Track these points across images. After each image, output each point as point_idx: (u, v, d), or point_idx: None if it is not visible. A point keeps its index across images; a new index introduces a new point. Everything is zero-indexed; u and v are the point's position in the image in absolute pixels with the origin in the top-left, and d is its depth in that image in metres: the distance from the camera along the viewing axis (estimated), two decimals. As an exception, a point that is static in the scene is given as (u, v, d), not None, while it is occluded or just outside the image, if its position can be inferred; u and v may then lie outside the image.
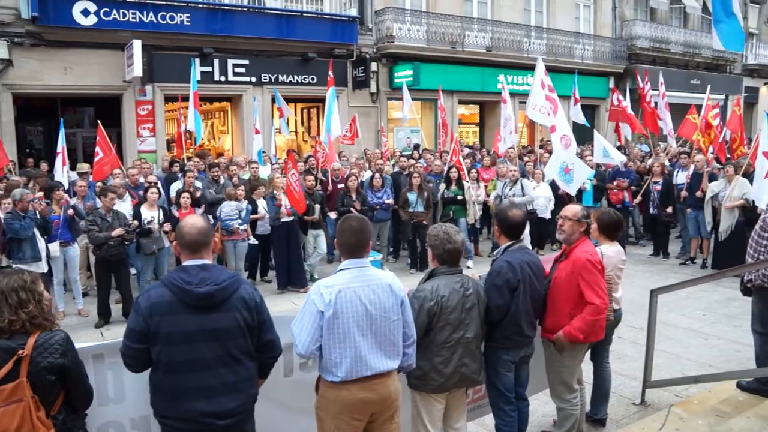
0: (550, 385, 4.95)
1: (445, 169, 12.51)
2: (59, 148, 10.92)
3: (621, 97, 15.66)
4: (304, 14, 17.68)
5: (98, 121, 12.29)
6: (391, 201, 11.37)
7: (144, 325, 3.13)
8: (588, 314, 4.48)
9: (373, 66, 18.89)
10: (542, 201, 12.18)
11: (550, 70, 10.47)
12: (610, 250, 5.11)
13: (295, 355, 3.97)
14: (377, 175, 11.56)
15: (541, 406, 5.70)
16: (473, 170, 12.43)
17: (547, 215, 12.20)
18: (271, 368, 3.59)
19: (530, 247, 7.84)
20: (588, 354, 5.20)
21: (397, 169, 13.31)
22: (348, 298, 3.48)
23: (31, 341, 2.98)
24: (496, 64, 20.91)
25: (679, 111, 18.34)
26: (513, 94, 16.83)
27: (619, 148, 15.76)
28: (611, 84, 24.17)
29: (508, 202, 8.28)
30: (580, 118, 15.92)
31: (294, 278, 10.24)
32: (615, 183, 12.80)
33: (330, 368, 3.54)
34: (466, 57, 20.24)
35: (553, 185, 12.22)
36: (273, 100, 16.52)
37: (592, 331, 4.58)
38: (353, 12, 18.23)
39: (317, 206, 10.50)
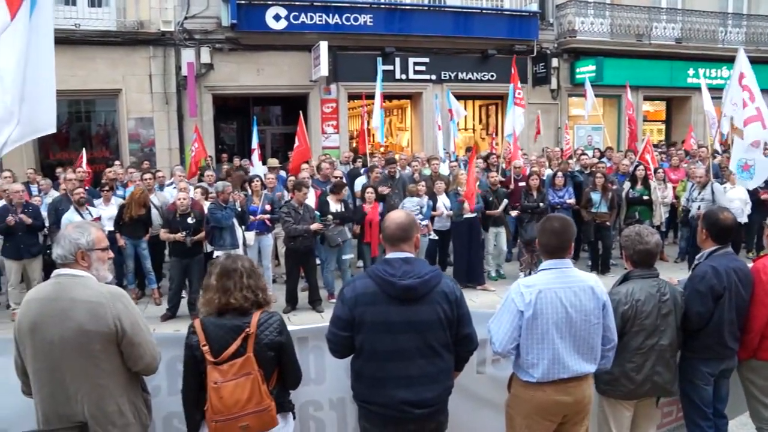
0: (747, 400, 4.59)
1: (631, 167, 11.93)
2: (254, 144, 11.70)
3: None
4: (484, 11, 17.61)
5: (299, 112, 13.05)
6: (572, 201, 11.04)
7: (349, 314, 3.28)
8: None
9: (554, 62, 18.44)
10: (737, 204, 11.17)
11: (750, 61, 9.62)
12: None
13: (488, 352, 4.01)
14: (559, 173, 11.26)
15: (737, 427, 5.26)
16: (660, 170, 11.77)
17: (743, 219, 11.23)
18: (466, 362, 3.64)
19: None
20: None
21: (578, 167, 12.91)
22: (548, 299, 3.45)
23: (255, 319, 3.25)
24: (687, 57, 19.63)
25: None
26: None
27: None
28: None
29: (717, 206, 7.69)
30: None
31: (472, 275, 10.25)
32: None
33: (526, 368, 3.53)
34: (653, 50, 19.13)
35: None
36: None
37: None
38: (534, 7, 17.89)
39: (505, 201, 10.44)
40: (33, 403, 3.18)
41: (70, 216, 8.85)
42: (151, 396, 3.45)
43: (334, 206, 9.58)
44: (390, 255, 3.36)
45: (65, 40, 13.51)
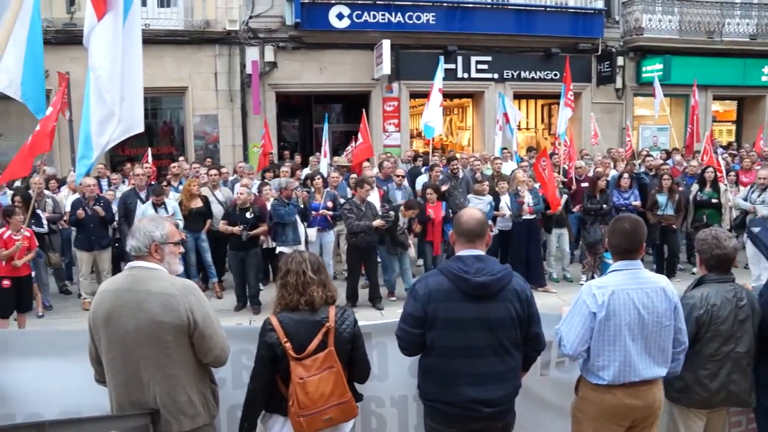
0: None
1: (700, 169, 11.57)
2: (323, 141, 11.81)
3: None
4: (548, 9, 17.36)
5: (362, 110, 13.16)
6: (638, 203, 10.75)
7: (422, 310, 3.28)
8: None
9: (619, 60, 17.99)
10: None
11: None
12: None
13: (552, 354, 3.97)
14: (625, 175, 10.99)
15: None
16: (731, 172, 11.38)
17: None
18: (534, 362, 3.62)
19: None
20: None
21: (643, 169, 12.58)
22: (621, 300, 3.39)
23: (332, 314, 3.32)
24: (762, 54, 18.91)
25: None
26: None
27: None
28: None
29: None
30: None
31: (532, 277, 10.07)
32: None
33: (595, 371, 3.47)
34: (724, 48, 18.47)
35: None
36: (513, 97, 16.52)
37: None
38: (599, 4, 17.52)
39: (565, 196, 10.30)
40: (107, 391, 3.28)
41: (144, 209, 9.14)
42: (218, 387, 3.52)
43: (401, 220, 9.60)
44: (463, 252, 3.35)
45: (135, 38, 13.89)
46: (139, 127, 3.97)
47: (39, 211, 9.27)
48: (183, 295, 3.12)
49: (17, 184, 10.30)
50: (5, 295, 8.00)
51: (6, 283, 7.89)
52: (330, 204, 9.73)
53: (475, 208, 4.29)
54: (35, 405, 3.78)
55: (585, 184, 11.16)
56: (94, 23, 3.57)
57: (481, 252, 3.35)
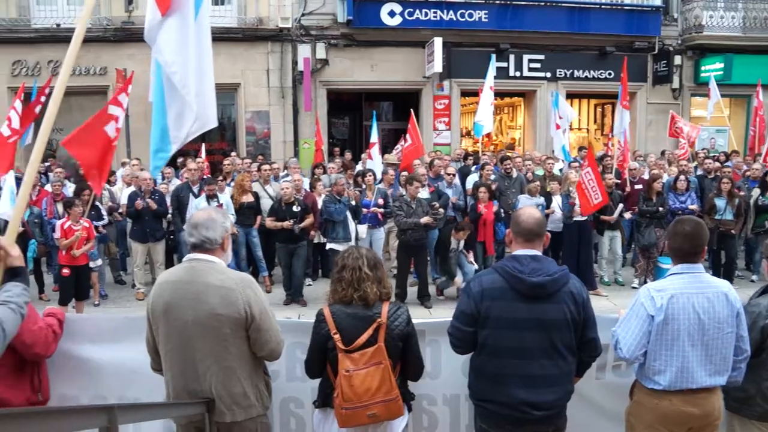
0: None
1: (762, 173, 11.20)
2: (374, 139, 11.84)
3: None
4: (602, 6, 17.04)
5: (410, 110, 13.15)
6: (695, 206, 10.46)
7: (474, 308, 3.25)
8: None
9: (677, 59, 17.49)
10: None
11: None
12: None
13: (608, 357, 3.89)
14: (682, 177, 10.71)
15: None
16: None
17: None
18: (589, 367, 3.54)
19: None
20: None
21: (700, 172, 12.25)
22: (680, 304, 3.30)
23: (385, 310, 3.32)
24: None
25: None
26: None
27: None
28: None
29: None
30: None
31: (582, 279, 9.87)
32: None
33: (651, 375, 3.40)
34: (792, 46, 17.71)
35: None
36: (566, 97, 16.25)
37: None
38: (657, 1, 17.10)
39: (621, 206, 10.10)
40: (164, 379, 3.34)
41: (197, 203, 9.32)
42: (271, 379, 3.56)
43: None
44: (519, 252, 3.31)
45: (190, 35, 14.15)
46: (213, 122, 4.04)
47: (98, 204, 9.53)
48: (241, 289, 3.16)
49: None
50: (65, 284, 8.35)
51: (66, 271, 8.20)
52: (381, 201, 9.75)
53: (534, 207, 4.22)
54: (96, 386, 3.92)
55: (639, 186, 10.92)
56: (158, 18, 3.62)
57: (537, 252, 3.31)
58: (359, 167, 12.30)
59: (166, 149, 3.88)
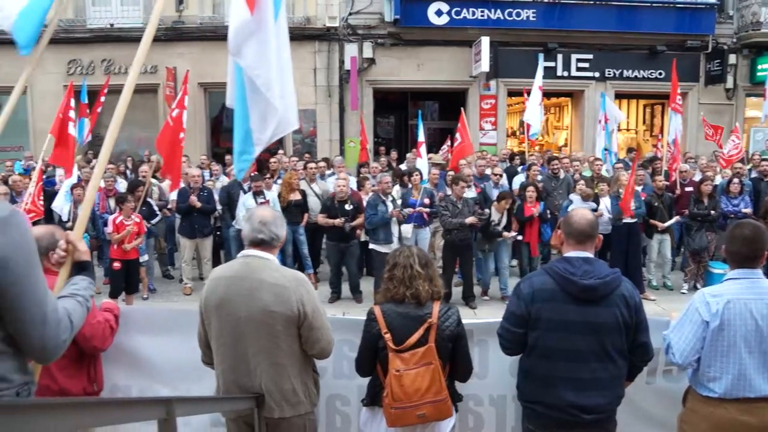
0: None
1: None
2: (421, 138, 11.85)
3: None
4: (653, 4, 16.67)
5: (461, 108, 13.10)
6: (749, 210, 10.17)
7: (525, 310, 3.24)
8: None
9: (731, 58, 17.03)
10: None
11: None
12: None
13: (659, 361, 3.82)
14: (735, 180, 10.43)
15: None
16: None
17: None
18: (640, 371, 3.49)
19: None
20: None
21: (755, 174, 11.91)
22: (737, 310, 3.21)
23: (436, 310, 3.31)
24: None
25: None
26: None
27: None
28: None
29: None
30: None
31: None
32: None
33: (706, 382, 3.31)
34: None
35: None
36: (614, 97, 16.00)
37: None
38: (712, -2, 16.71)
39: (677, 218, 9.90)
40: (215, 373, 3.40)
41: (245, 200, 9.45)
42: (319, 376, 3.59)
43: (495, 216, 9.46)
44: (571, 253, 3.27)
45: (240, 35, 14.36)
46: (295, 124, 4.10)
47: (150, 199, 9.74)
48: (295, 287, 3.19)
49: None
50: (115, 277, 8.55)
51: (116, 265, 8.39)
52: (427, 201, 9.73)
53: (586, 208, 4.17)
54: (146, 377, 4.01)
55: (689, 189, 10.68)
56: (246, 18, 3.66)
57: (589, 254, 3.27)
58: (403, 166, 12.30)
59: (250, 151, 3.94)
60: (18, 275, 1.90)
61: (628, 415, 3.81)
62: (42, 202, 9.13)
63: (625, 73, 16.86)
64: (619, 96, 17.25)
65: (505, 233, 9.35)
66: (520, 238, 9.59)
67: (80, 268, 2.60)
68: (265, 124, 3.84)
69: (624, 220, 9.63)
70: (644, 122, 19.71)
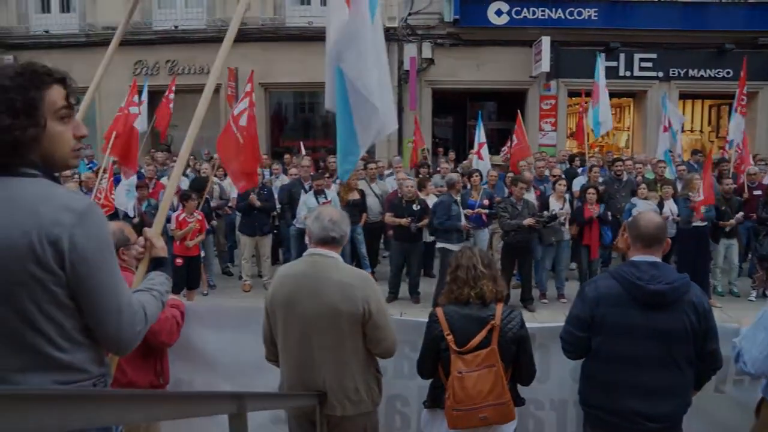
0: None
1: None
2: (482, 139, 11.79)
3: None
4: (721, 1, 16.15)
5: (518, 110, 12.99)
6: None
7: (589, 313, 3.19)
8: None
9: (806, 56, 16.36)
10: None
11: None
12: None
13: (729, 370, 3.71)
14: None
15: None
16: None
17: None
18: (708, 380, 3.40)
19: None
20: None
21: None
22: None
23: (499, 312, 3.30)
24: None
25: None
26: None
27: None
28: None
29: None
30: None
31: (696, 287, 9.46)
32: None
33: (780, 394, 3.19)
34: None
35: None
36: (679, 97, 15.57)
37: None
38: (786, -7, 16.03)
39: (740, 214, 9.60)
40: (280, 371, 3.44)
41: (306, 199, 9.55)
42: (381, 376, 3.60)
43: (557, 204, 9.40)
44: (638, 258, 3.21)
45: (299, 36, 14.58)
46: (394, 124, 4.16)
47: (209, 196, 9.92)
48: (361, 286, 3.22)
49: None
50: (177, 273, 8.66)
51: (179, 261, 8.55)
52: (486, 202, 9.66)
53: (654, 212, 4.07)
54: (210, 373, 4.08)
55: (758, 192, 10.31)
56: (344, 17, 3.73)
57: (657, 259, 3.19)
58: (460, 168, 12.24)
59: (355, 152, 4.02)
60: (96, 267, 1.95)
61: (698, 424, 3.73)
62: (114, 197, 9.44)
63: (691, 73, 16.35)
64: (683, 96, 16.80)
65: (560, 213, 9.25)
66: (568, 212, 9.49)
67: (158, 264, 2.66)
68: (369, 126, 3.90)
69: (693, 224, 9.35)
70: (709, 123, 19.11)
